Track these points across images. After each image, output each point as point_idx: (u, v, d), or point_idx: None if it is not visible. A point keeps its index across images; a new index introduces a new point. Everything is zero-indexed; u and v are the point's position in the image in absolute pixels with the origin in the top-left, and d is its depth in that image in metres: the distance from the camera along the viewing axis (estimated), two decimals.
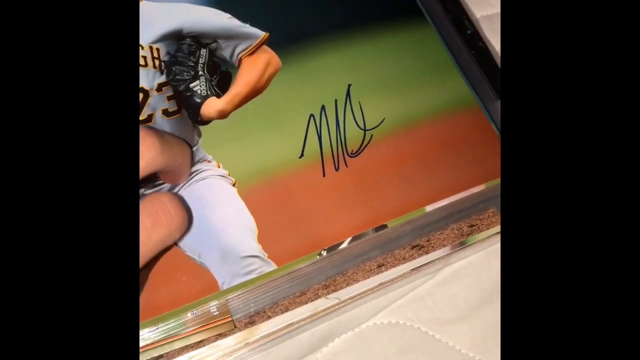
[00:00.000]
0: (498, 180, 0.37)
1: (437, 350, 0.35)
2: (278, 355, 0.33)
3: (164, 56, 0.35)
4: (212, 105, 0.35)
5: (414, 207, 0.36)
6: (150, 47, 0.35)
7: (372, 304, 0.35)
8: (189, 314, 0.31)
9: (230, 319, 0.32)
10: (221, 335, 0.32)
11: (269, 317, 0.32)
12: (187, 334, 0.31)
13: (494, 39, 0.44)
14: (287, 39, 0.38)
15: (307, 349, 0.33)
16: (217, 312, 0.32)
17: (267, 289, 0.33)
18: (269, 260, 0.33)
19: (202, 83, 0.35)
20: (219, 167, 0.35)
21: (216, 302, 0.32)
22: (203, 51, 0.35)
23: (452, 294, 0.36)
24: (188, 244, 0.32)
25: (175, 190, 0.34)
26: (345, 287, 0.34)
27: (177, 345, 0.31)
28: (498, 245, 0.37)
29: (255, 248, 0.33)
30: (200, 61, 0.35)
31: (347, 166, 0.36)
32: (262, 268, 0.32)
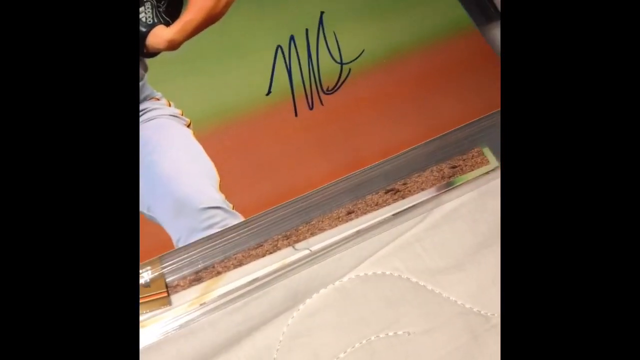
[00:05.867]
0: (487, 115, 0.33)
1: (430, 302, 0.32)
2: (247, 313, 0.29)
3: None
4: (160, 35, 0.31)
5: (400, 149, 0.32)
6: None
7: (353, 254, 0.32)
8: None
9: (165, 294, 0.28)
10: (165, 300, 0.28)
11: (219, 273, 0.29)
12: None
13: None
14: None
15: (282, 306, 0.30)
16: (150, 282, 0.28)
17: (216, 242, 0.29)
18: (234, 211, 0.29)
19: (148, 9, 0.30)
20: (169, 105, 0.31)
21: (149, 269, 0.28)
22: None
23: (443, 240, 0.33)
24: None
25: None
26: (309, 237, 0.31)
27: None
28: (492, 184, 0.34)
29: (217, 198, 0.29)
30: None
31: (322, 104, 0.33)
32: (227, 221, 0.29)
